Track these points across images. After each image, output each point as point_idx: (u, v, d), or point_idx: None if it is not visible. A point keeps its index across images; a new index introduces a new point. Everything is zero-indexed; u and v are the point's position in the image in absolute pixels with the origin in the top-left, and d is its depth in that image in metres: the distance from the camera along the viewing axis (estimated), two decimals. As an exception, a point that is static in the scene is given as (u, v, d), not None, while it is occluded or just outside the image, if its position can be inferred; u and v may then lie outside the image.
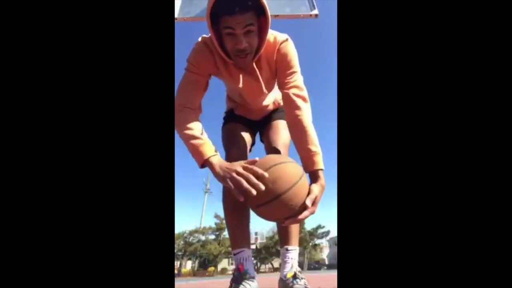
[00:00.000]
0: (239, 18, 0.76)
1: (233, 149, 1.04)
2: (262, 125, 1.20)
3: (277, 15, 1.51)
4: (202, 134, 0.81)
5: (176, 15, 1.58)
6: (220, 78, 1.01)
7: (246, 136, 1.14)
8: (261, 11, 0.81)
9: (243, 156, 1.04)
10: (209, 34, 0.88)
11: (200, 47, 0.92)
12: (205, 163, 0.78)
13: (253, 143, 1.22)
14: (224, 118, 1.23)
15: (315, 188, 0.76)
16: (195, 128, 0.82)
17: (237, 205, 0.98)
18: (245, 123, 1.18)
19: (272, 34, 0.92)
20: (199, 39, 0.94)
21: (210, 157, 0.77)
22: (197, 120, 0.85)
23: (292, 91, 0.89)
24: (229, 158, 1.03)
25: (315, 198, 0.74)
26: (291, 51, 0.93)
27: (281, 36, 0.93)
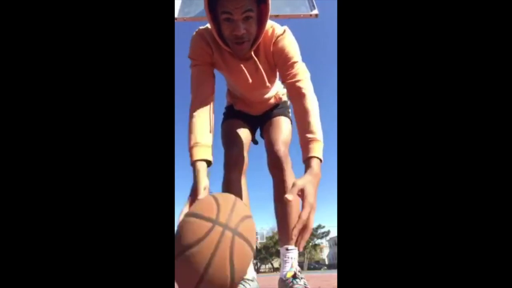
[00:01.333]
0: (238, 2, 0.73)
1: (232, 149, 1.04)
2: (262, 120, 1.17)
3: (277, 15, 1.51)
4: (203, 136, 0.81)
5: (176, 15, 1.58)
6: (219, 70, 1.00)
7: (245, 134, 1.13)
8: None
9: (242, 156, 1.04)
10: (206, 25, 0.87)
11: (196, 39, 0.91)
12: (192, 164, 0.78)
13: (253, 139, 1.20)
14: (224, 114, 1.22)
15: (299, 181, 0.66)
16: (199, 130, 0.82)
17: (242, 197, 0.99)
18: (245, 119, 1.16)
19: (272, 26, 0.90)
20: (195, 32, 0.92)
21: (196, 160, 0.77)
22: (204, 113, 0.85)
23: (294, 81, 0.86)
24: (228, 158, 1.04)
25: (303, 190, 0.64)
26: (288, 43, 0.90)
27: (279, 29, 0.90)
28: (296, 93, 0.86)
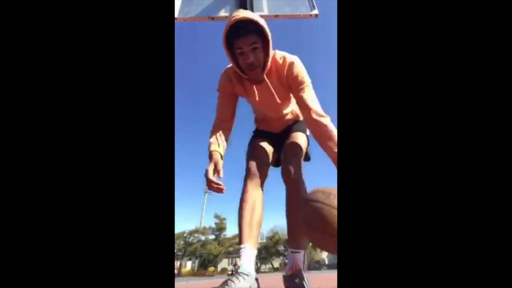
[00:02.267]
0: (245, 40, 1.00)
1: (253, 161, 1.17)
2: (283, 138, 1.31)
3: (277, 15, 1.52)
4: (218, 139, 1.12)
5: (176, 15, 1.58)
6: (243, 97, 1.23)
7: (268, 149, 1.27)
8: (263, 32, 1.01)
9: (261, 168, 1.16)
10: (230, 65, 1.13)
11: (223, 77, 1.21)
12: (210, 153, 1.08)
13: (277, 156, 1.33)
14: (251, 137, 1.39)
15: None
16: (217, 137, 1.13)
17: (255, 201, 1.08)
18: (269, 138, 1.34)
19: (283, 56, 1.12)
20: (223, 70, 1.21)
21: (212, 150, 1.07)
22: (223, 129, 1.17)
23: (299, 95, 1.08)
24: (248, 168, 1.16)
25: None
26: (298, 70, 1.11)
27: (290, 58, 1.12)
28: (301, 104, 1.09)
